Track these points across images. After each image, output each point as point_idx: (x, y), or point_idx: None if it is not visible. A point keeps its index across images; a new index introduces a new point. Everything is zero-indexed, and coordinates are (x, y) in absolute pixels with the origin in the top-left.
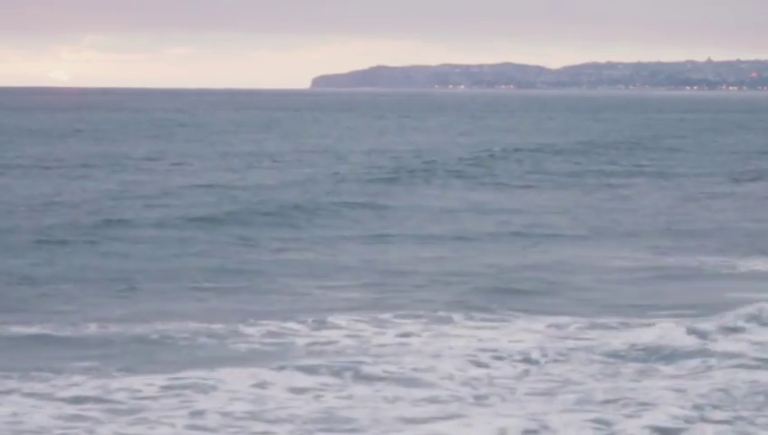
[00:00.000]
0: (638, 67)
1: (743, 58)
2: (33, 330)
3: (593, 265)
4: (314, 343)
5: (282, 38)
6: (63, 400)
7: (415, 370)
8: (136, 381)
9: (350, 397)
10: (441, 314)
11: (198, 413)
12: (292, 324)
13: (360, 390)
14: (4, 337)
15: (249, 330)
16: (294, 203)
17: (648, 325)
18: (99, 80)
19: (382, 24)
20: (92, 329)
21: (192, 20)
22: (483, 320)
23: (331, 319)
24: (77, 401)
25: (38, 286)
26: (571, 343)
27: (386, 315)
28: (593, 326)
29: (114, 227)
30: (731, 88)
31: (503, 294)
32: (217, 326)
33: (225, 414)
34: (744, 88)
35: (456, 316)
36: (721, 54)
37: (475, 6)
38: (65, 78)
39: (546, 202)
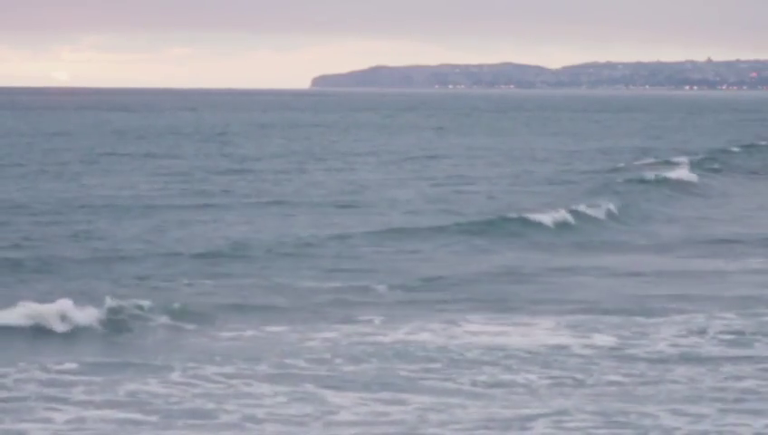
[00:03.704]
0: (638, 67)
1: (742, 58)
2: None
3: None
4: None
5: (281, 38)
6: None
7: None
8: None
9: None
10: None
11: None
12: None
13: None
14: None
15: None
16: None
17: None
18: (99, 80)
19: (382, 24)
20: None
21: (192, 20)
22: None
23: None
24: None
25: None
26: None
27: None
28: None
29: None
30: (731, 88)
31: None
32: None
33: None
34: (744, 88)
35: None
36: (721, 54)
37: (475, 6)
38: (66, 78)
39: None
